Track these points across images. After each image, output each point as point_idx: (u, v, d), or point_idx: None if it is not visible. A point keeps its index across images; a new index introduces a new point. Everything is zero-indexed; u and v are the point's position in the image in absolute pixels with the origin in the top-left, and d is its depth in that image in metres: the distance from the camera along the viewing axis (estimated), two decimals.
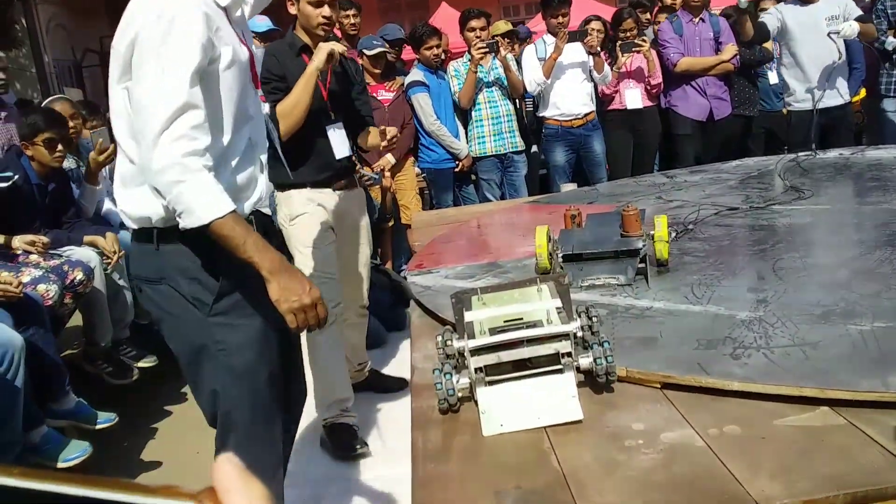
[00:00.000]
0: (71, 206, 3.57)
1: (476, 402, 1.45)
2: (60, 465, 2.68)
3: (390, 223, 4.65)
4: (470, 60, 4.75)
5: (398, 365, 3.81)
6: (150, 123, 1.55)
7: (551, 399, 1.41)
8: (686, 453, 1.23)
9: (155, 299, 1.75)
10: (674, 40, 5.09)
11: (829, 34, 4.44)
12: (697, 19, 5.11)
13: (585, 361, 1.46)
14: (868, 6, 5.41)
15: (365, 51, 4.51)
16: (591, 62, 4.94)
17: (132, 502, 0.36)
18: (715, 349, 1.56)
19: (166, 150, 1.54)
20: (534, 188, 5.31)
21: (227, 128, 1.68)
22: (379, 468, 2.91)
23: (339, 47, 2.80)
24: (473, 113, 4.94)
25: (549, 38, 4.92)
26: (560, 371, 1.44)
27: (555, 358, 1.45)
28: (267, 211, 1.99)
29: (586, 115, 5.00)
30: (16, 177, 3.23)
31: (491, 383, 1.45)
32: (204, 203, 1.57)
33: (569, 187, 4.20)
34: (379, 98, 4.60)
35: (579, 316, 1.55)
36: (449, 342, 1.55)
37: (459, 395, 1.47)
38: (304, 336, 2.28)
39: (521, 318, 1.53)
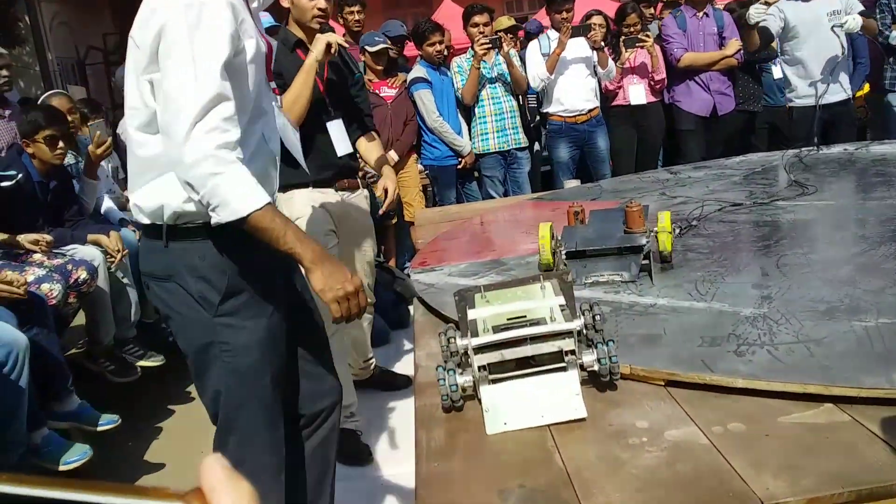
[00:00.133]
0: (73, 203, 3.57)
1: (479, 401, 1.44)
2: (61, 467, 2.69)
3: (393, 220, 4.65)
4: (473, 56, 4.74)
5: (402, 363, 3.81)
6: (181, 115, 1.52)
7: (555, 397, 1.41)
8: (690, 451, 1.23)
9: (162, 297, 1.74)
10: (677, 35, 5.08)
11: (832, 27, 4.42)
12: (701, 14, 5.10)
13: (589, 359, 1.46)
14: (872, 0, 5.39)
15: (367, 47, 4.51)
16: (595, 57, 4.93)
17: None
18: (719, 346, 1.55)
19: (200, 142, 1.51)
20: (536, 185, 5.31)
21: (242, 122, 1.67)
22: (382, 467, 2.91)
23: (337, 38, 2.78)
24: (477, 109, 4.93)
25: (553, 34, 4.91)
26: (563, 369, 1.44)
27: (558, 356, 1.45)
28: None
29: (590, 110, 4.99)
30: (19, 175, 3.23)
31: (494, 381, 1.45)
32: (240, 195, 1.54)
33: (572, 184, 4.19)
34: (381, 95, 4.59)
35: (583, 313, 1.55)
36: (452, 340, 1.55)
37: (463, 393, 1.47)
38: None
39: (525, 316, 1.53)
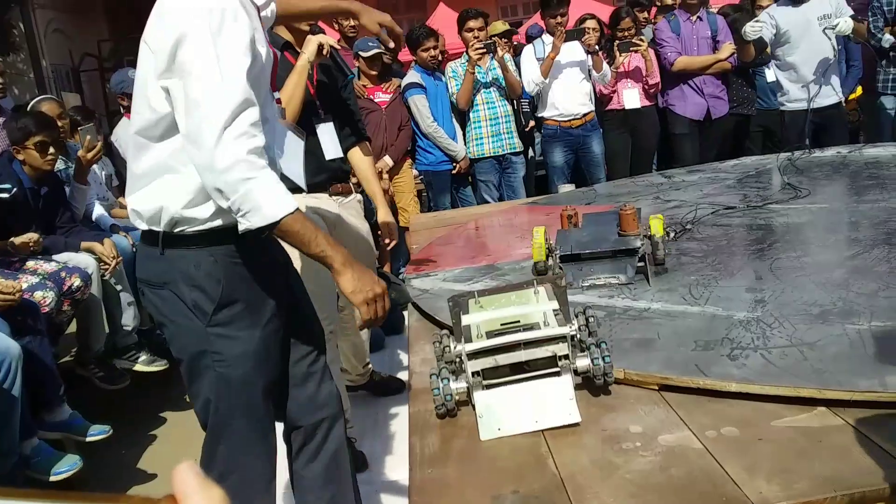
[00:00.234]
0: (64, 209, 3.55)
1: (473, 406, 1.44)
2: (52, 478, 2.67)
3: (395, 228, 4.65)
4: (468, 61, 4.75)
5: (396, 368, 3.81)
6: (209, 121, 1.51)
7: (549, 402, 1.41)
8: (683, 455, 1.23)
9: (156, 304, 1.74)
10: (671, 39, 5.09)
11: (824, 29, 4.45)
12: (695, 18, 5.11)
13: (583, 364, 1.46)
14: (865, 2, 5.41)
15: (361, 52, 4.51)
16: (590, 61, 4.94)
17: None
18: (712, 350, 1.56)
19: (231, 147, 1.51)
20: (530, 190, 5.31)
21: None
22: (377, 473, 2.90)
23: (328, 40, 2.78)
24: (471, 114, 4.93)
25: (548, 39, 4.92)
26: (557, 374, 1.44)
27: (552, 361, 1.45)
28: None
29: (585, 115, 5.00)
30: (14, 189, 3.22)
31: (488, 387, 1.45)
32: (272, 200, 1.54)
33: (567, 188, 4.20)
34: (376, 100, 4.59)
35: (576, 318, 1.55)
36: (447, 346, 1.55)
37: (457, 399, 1.47)
38: None
39: (518, 321, 1.53)
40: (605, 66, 5.00)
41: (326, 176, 2.81)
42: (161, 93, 1.58)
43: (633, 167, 5.21)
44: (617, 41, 5.09)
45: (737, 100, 5.30)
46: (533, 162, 5.68)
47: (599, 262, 2.16)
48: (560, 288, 1.59)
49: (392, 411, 3.36)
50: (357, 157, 2.97)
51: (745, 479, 1.14)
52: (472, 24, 4.84)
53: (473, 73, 4.74)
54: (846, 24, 4.41)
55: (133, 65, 6.78)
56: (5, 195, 3.17)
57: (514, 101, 5.11)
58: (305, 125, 2.69)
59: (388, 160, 4.62)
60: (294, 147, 2.38)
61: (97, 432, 2.98)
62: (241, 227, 1.58)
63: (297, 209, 1.58)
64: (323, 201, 2.82)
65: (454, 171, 4.94)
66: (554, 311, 1.54)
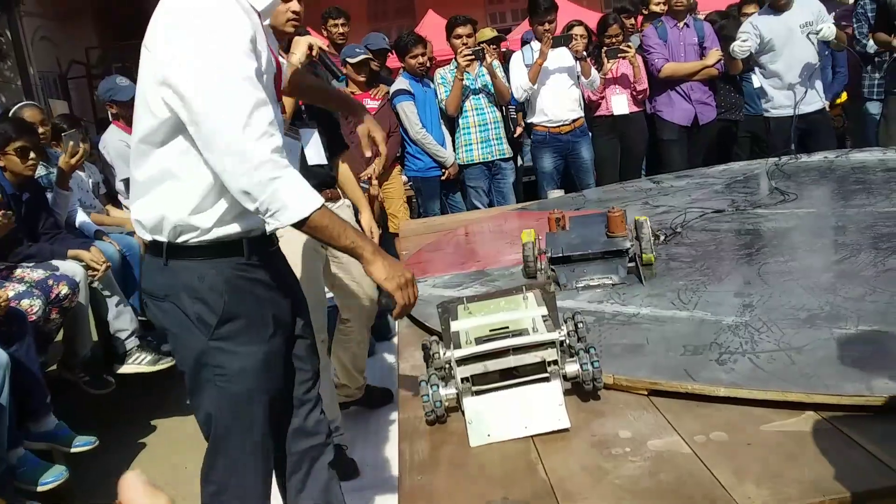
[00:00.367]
0: (47, 214, 3.52)
1: (463, 413, 1.44)
2: (39, 488, 2.65)
3: (378, 232, 4.64)
4: (456, 68, 4.76)
5: (385, 374, 3.80)
6: (228, 124, 1.49)
7: (538, 408, 1.41)
8: (672, 460, 1.23)
9: (159, 316, 1.72)
10: (658, 46, 5.12)
11: (807, 35, 4.49)
12: (682, 24, 5.14)
13: (572, 369, 1.46)
14: (849, 9, 5.46)
15: (348, 59, 4.51)
16: (579, 67, 4.95)
17: None
18: (701, 355, 1.56)
19: (253, 148, 1.50)
20: (519, 196, 5.32)
21: None
22: (367, 480, 2.89)
23: (317, 41, 2.77)
24: (460, 120, 4.94)
25: (537, 45, 4.93)
26: (547, 379, 1.44)
27: (541, 366, 1.45)
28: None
29: (574, 121, 5.01)
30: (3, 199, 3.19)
31: (478, 393, 1.45)
32: (299, 197, 1.54)
33: (556, 194, 4.21)
34: None
35: (565, 323, 1.55)
36: (436, 353, 1.55)
37: (447, 405, 1.47)
38: None
39: (507, 327, 1.53)
40: (594, 72, 5.02)
41: (316, 182, 2.81)
42: (162, 97, 1.56)
43: (622, 173, 5.23)
44: (605, 48, 5.12)
45: (724, 105, 5.33)
46: (521, 168, 5.70)
47: (590, 263, 2.18)
48: (549, 294, 1.59)
49: (382, 418, 3.35)
50: (343, 171, 2.98)
51: (734, 484, 1.14)
52: (460, 30, 4.85)
53: (462, 79, 4.75)
54: (829, 29, 4.45)
55: (121, 72, 6.77)
56: None
57: (503, 108, 5.13)
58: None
59: (377, 166, 4.61)
60: (291, 149, 2.38)
61: (83, 443, 2.96)
62: (269, 227, 1.57)
63: (324, 204, 1.57)
64: None
65: (443, 178, 4.94)
66: (543, 316, 1.54)
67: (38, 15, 11.03)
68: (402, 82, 4.86)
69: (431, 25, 9.12)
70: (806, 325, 1.65)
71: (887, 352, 1.47)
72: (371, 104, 4.64)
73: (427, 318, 2.01)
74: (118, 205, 4.55)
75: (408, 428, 1.49)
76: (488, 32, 6.12)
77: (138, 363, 3.52)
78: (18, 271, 3.14)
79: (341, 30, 5.21)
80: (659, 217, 2.84)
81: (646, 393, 1.48)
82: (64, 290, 3.12)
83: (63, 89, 11.58)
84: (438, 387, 1.47)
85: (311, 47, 2.70)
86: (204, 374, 1.69)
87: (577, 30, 4.98)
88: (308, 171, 2.73)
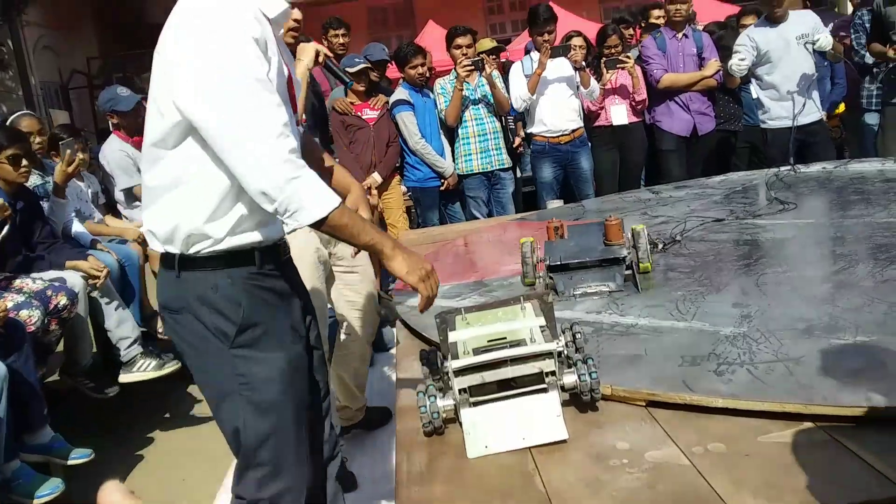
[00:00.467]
0: (43, 224, 3.51)
1: (460, 424, 1.44)
2: (35, 501, 2.63)
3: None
4: (456, 78, 4.77)
5: (384, 386, 3.79)
6: (244, 125, 1.49)
7: (536, 419, 1.40)
8: (670, 472, 1.23)
9: (177, 330, 1.69)
10: (657, 56, 5.13)
11: (804, 44, 4.50)
12: (681, 35, 5.15)
13: (570, 380, 1.46)
14: (848, 20, 5.48)
15: (347, 68, 4.52)
16: (578, 78, 4.97)
17: None
18: (699, 366, 1.56)
19: (271, 149, 1.49)
20: (518, 206, 5.32)
21: None
22: (365, 492, 2.88)
23: (322, 48, 2.78)
24: (460, 130, 4.95)
25: (536, 56, 4.95)
26: (544, 390, 1.44)
27: (539, 377, 1.45)
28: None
29: (573, 131, 5.02)
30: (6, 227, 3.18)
31: (475, 404, 1.45)
32: (318, 197, 1.53)
33: (555, 204, 4.21)
34: (364, 117, 4.60)
35: (563, 334, 1.55)
36: (434, 364, 1.55)
37: (444, 416, 1.46)
38: None
39: (505, 338, 1.52)
40: (593, 82, 5.03)
41: None
42: (173, 109, 1.55)
43: (621, 183, 5.23)
44: (604, 58, 5.13)
45: (723, 116, 5.34)
46: (521, 178, 5.70)
47: (588, 271, 2.20)
48: (547, 304, 1.59)
49: (381, 429, 3.34)
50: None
51: (732, 495, 1.14)
52: (460, 41, 4.87)
53: (462, 89, 4.76)
54: (826, 39, 4.47)
55: (122, 82, 6.80)
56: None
57: (503, 118, 5.14)
58: None
59: (376, 177, 4.63)
60: None
61: (79, 456, 2.94)
62: (287, 228, 1.57)
63: (342, 202, 1.57)
64: None
65: (442, 188, 4.95)
66: (541, 327, 1.54)
67: (40, 24, 11.08)
68: (401, 93, 4.88)
69: (431, 36, 9.15)
70: (804, 335, 1.65)
71: (885, 362, 1.47)
72: (370, 114, 4.65)
73: (425, 329, 2.01)
74: (117, 215, 4.56)
75: (405, 439, 1.49)
76: (488, 43, 6.14)
77: (143, 370, 3.50)
78: (17, 282, 3.14)
79: (342, 40, 5.23)
80: (657, 227, 2.84)
81: (644, 404, 1.47)
82: (63, 300, 3.12)
83: (64, 99, 11.63)
84: (436, 398, 1.46)
85: (317, 53, 2.71)
86: (228, 386, 1.65)
87: (576, 41, 5.00)
88: None
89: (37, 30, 11.05)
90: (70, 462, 2.92)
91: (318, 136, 2.89)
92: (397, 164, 4.91)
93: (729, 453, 1.26)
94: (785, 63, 4.60)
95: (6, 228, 3.18)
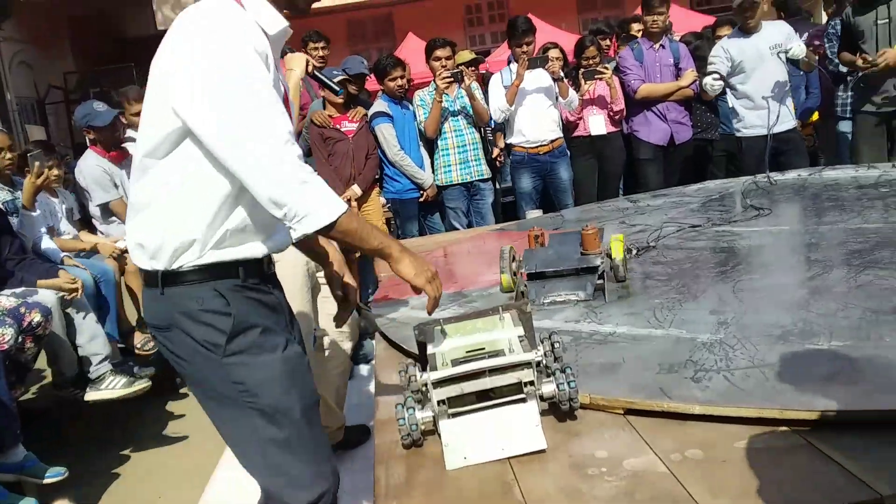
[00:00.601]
0: (12, 238, 3.45)
1: (440, 435, 1.43)
2: None
3: (357, 254, 4.63)
4: (435, 90, 4.78)
5: (363, 400, 3.76)
6: (251, 132, 1.47)
7: (515, 429, 1.40)
8: (648, 480, 1.23)
9: (168, 346, 1.65)
10: (634, 67, 5.18)
11: (777, 53, 4.57)
12: (657, 46, 5.21)
13: (548, 389, 1.46)
14: (822, 29, 5.56)
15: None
16: (557, 88, 5.00)
17: None
18: (676, 373, 1.57)
19: (281, 154, 1.48)
20: (497, 217, 5.34)
21: None
22: None
23: (308, 57, 2.78)
24: (439, 142, 4.96)
25: (515, 67, 4.98)
26: (523, 400, 1.44)
27: (518, 387, 1.45)
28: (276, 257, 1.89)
29: (552, 141, 5.05)
30: None
31: (454, 415, 1.44)
32: (326, 202, 1.51)
33: (535, 214, 4.23)
34: (342, 129, 4.60)
35: (542, 344, 1.55)
36: (412, 376, 1.54)
37: (423, 428, 1.46)
38: None
39: (484, 348, 1.52)
40: (572, 92, 5.06)
41: None
42: (170, 112, 1.52)
43: (599, 192, 5.26)
44: (582, 69, 5.17)
45: (700, 125, 5.39)
46: (500, 189, 5.72)
47: (562, 279, 2.21)
48: (525, 314, 1.59)
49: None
50: None
51: (709, 502, 1.14)
52: (439, 53, 4.89)
53: (441, 101, 4.77)
54: (799, 48, 4.53)
55: (99, 97, 6.73)
56: None
57: (482, 129, 5.16)
58: None
59: (356, 189, 4.62)
60: None
61: (53, 474, 2.89)
62: (296, 234, 1.54)
63: (349, 207, 1.56)
64: None
65: (421, 199, 4.95)
66: (519, 337, 1.54)
67: (16, 40, 11.00)
68: (380, 104, 4.88)
69: (411, 48, 9.18)
70: (780, 341, 1.66)
71: (859, 367, 1.49)
72: (349, 126, 4.65)
73: (405, 341, 2.01)
74: (93, 230, 4.51)
75: (384, 452, 1.48)
76: (467, 55, 6.17)
77: (111, 387, 3.44)
78: None
79: (321, 53, 5.23)
80: (635, 236, 2.86)
81: (622, 412, 1.48)
82: (37, 317, 3.07)
83: (41, 114, 11.53)
84: (415, 410, 1.46)
85: (307, 63, 2.72)
86: (228, 397, 1.62)
87: (553, 52, 5.04)
88: None
89: (13, 45, 10.97)
90: (46, 481, 2.87)
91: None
92: (377, 176, 4.90)
93: (706, 460, 1.27)
94: (759, 73, 4.67)
95: None
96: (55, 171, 4.25)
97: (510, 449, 1.38)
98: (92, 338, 3.46)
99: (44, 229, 3.80)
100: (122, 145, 4.56)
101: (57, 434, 3.39)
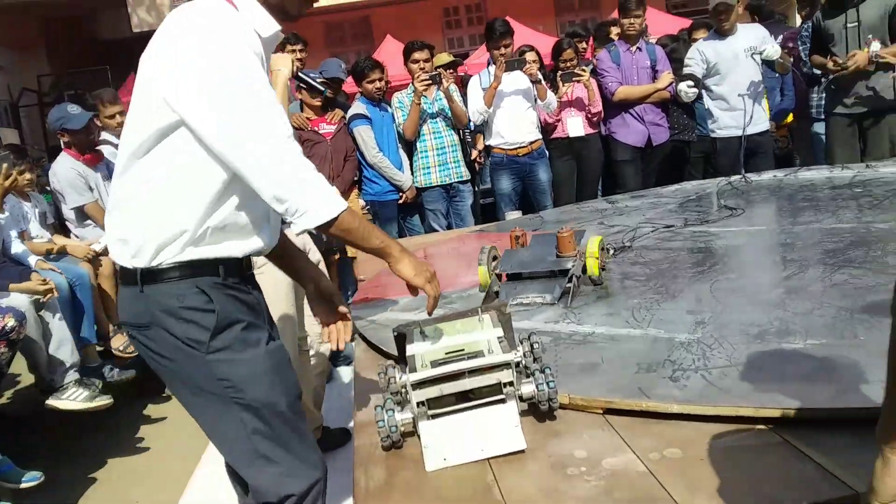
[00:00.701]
0: None
1: (419, 437, 1.43)
2: None
3: (336, 256, 4.61)
4: (413, 92, 4.78)
5: (344, 402, 3.75)
6: (254, 128, 1.47)
7: (494, 430, 1.40)
8: (627, 479, 1.23)
9: (148, 346, 1.62)
10: (612, 69, 5.21)
11: (751, 55, 4.62)
12: (634, 48, 5.24)
13: (528, 390, 1.46)
14: (796, 32, 5.63)
15: (302, 85, 4.50)
16: (535, 90, 5.01)
17: None
18: (655, 372, 1.57)
19: (281, 153, 1.48)
20: (476, 218, 5.34)
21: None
22: None
23: (292, 57, 2.77)
24: (418, 144, 4.96)
25: (494, 69, 4.99)
26: (503, 401, 1.44)
27: (497, 388, 1.45)
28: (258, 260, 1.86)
29: (531, 143, 5.06)
30: None
31: (434, 416, 1.44)
32: (328, 197, 1.52)
33: (514, 215, 4.24)
34: (320, 132, 4.58)
35: (521, 344, 1.55)
36: (392, 377, 1.54)
37: (402, 430, 1.45)
38: None
39: (463, 350, 1.52)
40: (550, 94, 5.08)
41: None
42: (160, 106, 1.49)
43: (578, 194, 5.28)
44: (560, 71, 5.19)
45: (677, 127, 5.43)
46: (479, 190, 5.73)
47: (533, 281, 2.22)
48: (504, 315, 1.60)
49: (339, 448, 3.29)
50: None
51: (687, 500, 1.14)
52: (417, 55, 4.89)
53: (419, 103, 4.77)
54: (773, 48, 4.59)
55: (73, 100, 6.64)
56: None
57: (461, 131, 5.16)
58: None
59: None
60: None
61: (29, 479, 2.85)
62: (297, 228, 1.54)
63: (349, 206, 1.57)
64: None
65: (400, 201, 4.95)
66: (498, 338, 1.54)
67: None
68: (359, 107, 4.87)
69: (389, 51, 9.16)
70: (756, 340, 1.68)
71: (835, 365, 1.50)
72: (327, 129, 4.63)
73: (384, 343, 2.00)
74: (67, 233, 4.46)
75: (363, 455, 1.47)
76: (445, 57, 6.16)
77: (73, 398, 3.38)
78: None
79: (299, 55, 5.21)
80: (614, 236, 2.87)
81: (601, 412, 1.48)
82: (10, 322, 3.03)
83: (14, 118, 11.37)
84: (394, 412, 1.45)
85: (292, 63, 2.71)
86: (213, 394, 1.59)
87: (529, 55, 5.05)
88: None
89: None
90: (21, 486, 2.83)
91: None
92: (355, 178, 4.89)
93: (684, 458, 1.27)
94: (733, 74, 4.72)
95: None
96: (27, 175, 4.18)
97: (490, 449, 1.38)
98: (60, 345, 3.41)
99: (14, 233, 3.75)
100: (97, 148, 4.51)
101: (33, 438, 3.33)
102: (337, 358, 4.06)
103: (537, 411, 1.48)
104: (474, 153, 5.52)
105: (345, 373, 4.11)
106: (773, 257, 2.45)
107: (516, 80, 4.98)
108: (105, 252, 4.07)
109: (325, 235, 1.60)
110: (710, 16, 4.87)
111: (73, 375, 3.41)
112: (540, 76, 5.01)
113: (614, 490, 1.20)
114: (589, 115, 5.27)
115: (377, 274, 2.94)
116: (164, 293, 1.59)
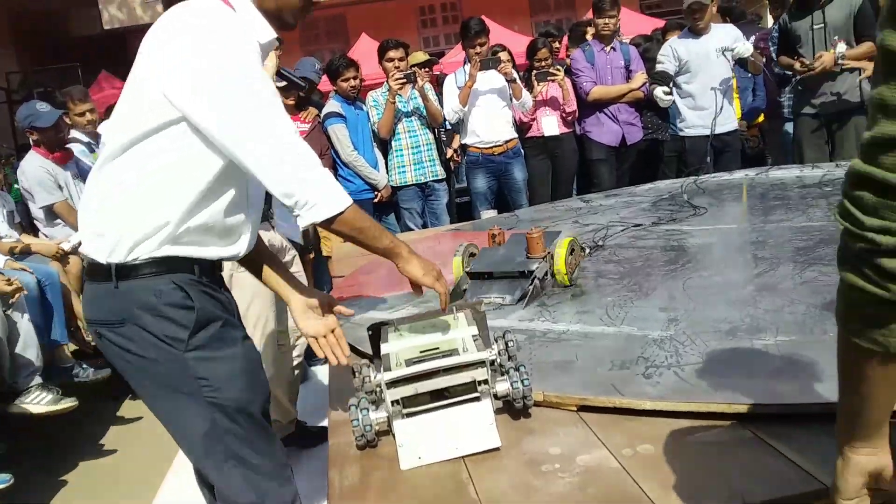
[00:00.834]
0: None
1: (394, 436, 1.43)
2: None
3: (311, 255, 4.59)
4: (388, 91, 4.77)
5: (319, 401, 3.73)
6: (252, 132, 1.47)
7: (469, 428, 1.40)
8: (601, 475, 1.24)
9: (119, 344, 1.58)
10: (586, 69, 5.24)
11: (722, 52, 4.68)
12: (609, 48, 5.28)
13: (502, 388, 1.46)
14: (768, 33, 5.70)
15: (276, 83, 4.48)
16: (510, 90, 5.03)
17: None
18: (628, 369, 1.58)
19: (281, 153, 1.48)
20: (452, 217, 5.35)
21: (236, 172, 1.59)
22: None
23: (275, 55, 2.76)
24: (393, 142, 4.96)
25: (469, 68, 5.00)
26: (477, 399, 1.44)
27: (472, 386, 1.45)
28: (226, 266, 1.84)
29: (507, 141, 5.08)
30: None
31: (409, 415, 1.44)
32: (328, 197, 1.52)
33: (489, 214, 4.25)
34: None
35: (496, 342, 1.56)
36: (366, 376, 1.53)
37: (377, 429, 1.45)
38: None
39: (438, 348, 1.52)
40: (525, 93, 5.10)
41: (267, 207, 2.81)
42: (156, 108, 1.48)
43: (553, 192, 5.31)
44: (535, 71, 5.21)
45: (651, 126, 5.48)
46: (455, 189, 5.73)
47: (500, 281, 2.24)
48: (479, 313, 1.60)
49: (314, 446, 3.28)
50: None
51: (661, 496, 1.15)
52: (392, 54, 4.88)
53: (394, 102, 4.77)
54: (744, 46, 4.65)
55: (43, 97, 6.56)
56: None
57: (436, 130, 5.16)
58: None
59: None
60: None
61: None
62: (302, 222, 1.53)
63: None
64: (269, 234, 2.80)
65: (376, 200, 4.94)
66: (473, 336, 1.54)
67: None
68: (333, 105, 4.85)
69: (364, 49, 9.13)
70: (728, 337, 1.70)
71: (805, 362, 1.52)
72: (301, 127, 4.60)
73: (360, 342, 1.99)
74: (36, 233, 4.39)
75: (338, 454, 1.47)
76: (420, 56, 6.16)
77: (36, 402, 3.32)
78: None
79: (277, 53, 5.16)
80: (588, 235, 2.89)
81: (575, 409, 1.49)
82: None
83: None
84: (369, 411, 1.45)
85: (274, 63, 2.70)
86: (188, 392, 1.57)
87: (503, 55, 5.07)
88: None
89: None
90: None
91: None
92: None
93: (657, 454, 1.28)
94: (703, 73, 4.77)
95: None
96: None
97: (465, 448, 1.38)
98: (25, 347, 3.35)
99: None
100: (67, 146, 4.44)
101: (3, 440, 3.27)
102: (312, 356, 4.04)
103: (512, 409, 1.49)
104: (449, 152, 5.53)
105: (320, 371, 4.09)
106: (745, 255, 2.48)
107: (491, 80, 5.00)
108: (74, 250, 4.01)
109: (335, 234, 1.59)
110: (684, 14, 4.91)
111: (37, 379, 3.34)
112: (515, 75, 5.03)
113: (588, 486, 1.21)
114: (563, 115, 5.30)
115: (353, 273, 2.93)
116: (141, 289, 1.56)
